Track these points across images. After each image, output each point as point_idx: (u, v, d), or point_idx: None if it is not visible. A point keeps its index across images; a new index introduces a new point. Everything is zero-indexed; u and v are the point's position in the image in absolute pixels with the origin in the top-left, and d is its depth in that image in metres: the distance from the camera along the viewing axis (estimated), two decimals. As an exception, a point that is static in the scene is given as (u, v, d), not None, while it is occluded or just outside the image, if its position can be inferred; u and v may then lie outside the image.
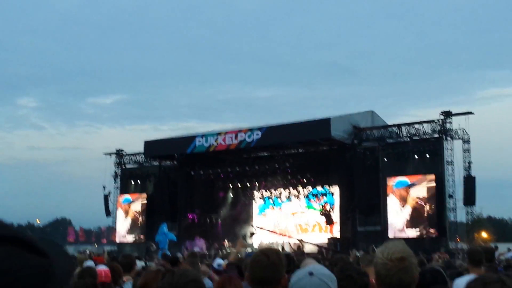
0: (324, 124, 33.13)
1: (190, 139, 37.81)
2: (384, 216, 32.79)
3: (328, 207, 37.59)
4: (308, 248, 31.46)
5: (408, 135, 33.69)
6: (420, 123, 33.74)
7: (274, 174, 38.08)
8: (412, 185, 32.31)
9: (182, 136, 41.32)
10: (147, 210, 41.91)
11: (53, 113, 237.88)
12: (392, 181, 32.79)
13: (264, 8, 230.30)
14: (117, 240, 43.71)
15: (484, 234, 38.37)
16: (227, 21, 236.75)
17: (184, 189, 40.62)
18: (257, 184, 40.59)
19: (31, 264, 0.71)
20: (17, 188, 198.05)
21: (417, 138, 33.33)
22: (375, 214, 33.24)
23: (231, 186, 41.58)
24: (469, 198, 32.74)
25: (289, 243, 33.52)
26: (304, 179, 38.08)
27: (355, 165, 33.88)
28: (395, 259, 2.59)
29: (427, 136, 33.17)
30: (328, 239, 35.25)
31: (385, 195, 32.87)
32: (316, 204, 38.63)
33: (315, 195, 38.52)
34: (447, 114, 32.96)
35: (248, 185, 40.89)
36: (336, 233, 36.09)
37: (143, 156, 42.25)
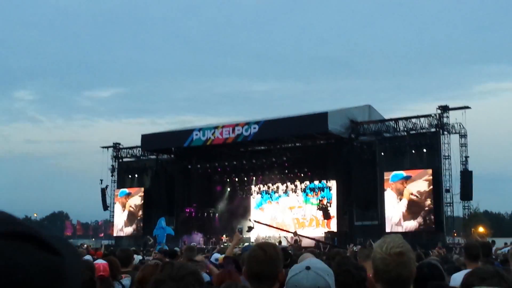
0: (321, 118, 33.14)
1: (187, 132, 37.81)
2: (381, 210, 32.85)
3: (325, 202, 37.65)
4: (305, 242, 31.48)
5: (405, 129, 33.72)
6: (417, 117, 33.77)
7: (271, 168, 38.10)
8: (408, 177, 32.36)
9: (179, 129, 41.32)
10: (144, 204, 41.93)
11: (50, 106, 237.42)
12: (389, 175, 32.84)
13: (262, 3, 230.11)
14: (115, 233, 43.74)
15: (481, 229, 38.44)
16: (224, 16, 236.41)
17: (181, 182, 40.63)
18: (254, 178, 40.63)
19: (44, 261, 0.71)
20: (13, 181, 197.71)
21: (414, 132, 33.37)
22: (372, 209, 33.30)
23: (228, 180, 41.59)
24: (466, 193, 32.82)
25: (285, 237, 33.56)
26: (301, 173, 38.13)
27: (352, 160, 33.90)
28: (394, 253, 2.59)
29: (424, 131, 33.20)
30: (325, 233, 35.33)
31: (382, 190, 32.92)
32: (314, 199, 38.69)
33: (313, 190, 38.57)
34: (444, 109, 33.00)
35: (245, 179, 40.94)
36: (333, 227, 36.17)
37: (140, 149, 42.26)
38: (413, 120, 33.79)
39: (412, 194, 32.18)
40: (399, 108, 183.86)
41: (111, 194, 43.83)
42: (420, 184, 32.16)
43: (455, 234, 35.70)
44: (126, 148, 44.29)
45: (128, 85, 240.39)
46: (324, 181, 37.89)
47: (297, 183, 38.87)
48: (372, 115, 37.02)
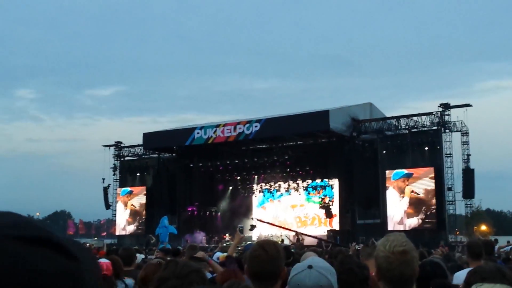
0: (322, 116, 33.12)
1: (189, 131, 37.81)
2: (383, 208, 32.83)
3: (327, 200, 37.65)
4: (307, 241, 31.50)
5: (407, 127, 33.68)
6: (418, 115, 33.75)
7: (273, 167, 38.10)
8: (410, 175, 32.33)
9: (180, 128, 41.34)
10: (147, 202, 41.94)
11: (51, 105, 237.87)
12: (390, 174, 32.82)
13: (262, 1, 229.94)
14: (117, 232, 43.77)
15: (483, 227, 38.43)
16: (224, 14, 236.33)
17: (183, 181, 40.65)
18: (256, 177, 40.64)
19: (63, 267, 0.71)
20: (15, 180, 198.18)
21: (415, 130, 33.34)
22: (374, 207, 33.29)
23: (230, 179, 41.59)
24: (468, 191, 32.76)
25: (287, 236, 33.57)
26: (303, 172, 38.12)
27: (354, 158, 33.90)
28: (397, 252, 2.58)
29: (425, 129, 33.18)
30: (328, 231, 35.36)
31: (384, 188, 32.89)
32: (316, 197, 38.68)
33: (314, 188, 38.56)
34: (446, 107, 32.95)
35: (247, 178, 40.94)
36: (336, 226, 36.17)
37: (141, 148, 42.27)
38: (415, 118, 33.76)
39: (414, 192, 32.15)
40: (400, 106, 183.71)
41: (113, 193, 43.84)
42: (422, 182, 32.14)
43: (458, 232, 35.67)
44: (127, 147, 44.29)
45: (129, 83, 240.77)
46: (326, 180, 37.88)
47: (299, 181, 38.87)
48: (374, 113, 37.01)
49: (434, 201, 31.81)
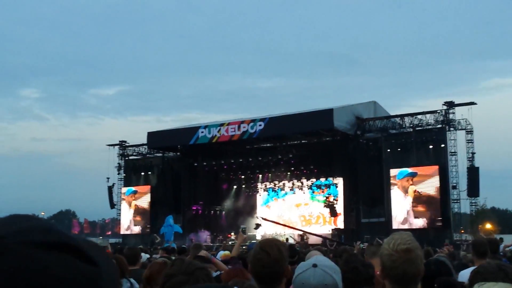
0: (326, 114, 33.08)
1: (193, 130, 37.82)
2: (387, 207, 32.77)
3: (332, 199, 37.62)
4: (312, 240, 31.49)
5: (411, 125, 33.62)
6: (423, 113, 33.67)
7: (277, 165, 38.10)
8: (415, 174, 32.26)
9: (185, 127, 41.36)
10: (151, 202, 41.99)
11: (56, 104, 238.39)
12: (395, 172, 32.77)
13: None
14: (122, 232, 43.83)
15: (488, 225, 38.29)
16: (228, 12, 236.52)
17: (188, 180, 40.68)
18: (261, 176, 40.65)
19: (82, 273, 0.71)
20: (20, 180, 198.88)
21: (420, 128, 33.27)
22: (379, 206, 33.24)
23: (234, 178, 41.61)
24: (473, 189, 32.67)
25: (292, 236, 33.55)
26: (308, 170, 38.11)
27: (358, 156, 33.87)
28: (401, 250, 2.58)
29: (430, 127, 33.12)
30: (332, 230, 35.32)
31: (389, 187, 32.84)
32: (320, 196, 38.66)
33: (319, 187, 38.54)
34: (450, 105, 32.87)
35: (252, 177, 40.96)
36: (340, 225, 36.13)
37: (146, 147, 42.31)
38: (419, 116, 33.69)
39: (417, 192, 32.09)
40: (404, 104, 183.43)
41: (117, 192, 43.92)
42: (427, 181, 32.07)
43: (462, 231, 35.58)
44: (132, 146, 44.34)
45: (133, 82, 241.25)
46: (331, 178, 37.84)
47: (304, 180, 38.87)
48: (378, 112, 36.95)
49: (439, 199, 31.74)
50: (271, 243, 3.02)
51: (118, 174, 44.01)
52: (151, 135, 40.07)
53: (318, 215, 39.12)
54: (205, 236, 37.33)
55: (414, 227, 30.71)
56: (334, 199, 37.53)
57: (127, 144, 44.47)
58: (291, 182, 39.50)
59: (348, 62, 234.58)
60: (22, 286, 0.66)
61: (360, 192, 33.87)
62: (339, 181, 37.07)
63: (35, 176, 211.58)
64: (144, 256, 10.24)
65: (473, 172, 32.56)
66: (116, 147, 44.35)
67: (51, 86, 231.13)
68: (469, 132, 33.31)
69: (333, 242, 28.55)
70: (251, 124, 35.19)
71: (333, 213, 37.06)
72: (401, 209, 32.36)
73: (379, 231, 28.18)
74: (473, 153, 33.06)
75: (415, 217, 31.99)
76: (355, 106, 35.98)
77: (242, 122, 35.87)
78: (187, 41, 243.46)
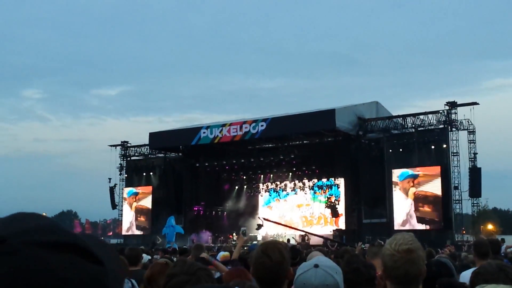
0: (328, 115, 33.08)
1: (195, 130, 37.84)
2: (389, 208, 32.76)
3: (333, 199, 37.59)
4: (314, 240, 31.49)
5: (413, 126, 33.60)
6: (425, 113, 33.65)
7: (279, 166, 38.08)
8: (416, 175, 32.24)
9: (186, 127, 41.38)
10: (153, 202, 42.01)
11: (58, 105, 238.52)
12: (397, 173, 32.76)
13: None
14: (123, 232, 43.86)
15: (490, 226, 38.26)
16: (229, 12, 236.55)
17: (189, 181, 40.70)
18: (262, 176, 40.65)
19: (89, 273, 0.70)
20: (22, 180, 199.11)
21: (422, 129, 33.26)
22: (381, 206, 33.22)
23: (236, 178, 41.60)
24: (475, 190, 32.64)
25: (293, 237, 33.55)
26: (309, 171, 38.09)
27: (360, 157, 33.86)
28: (402, 250, 2.57)
29: (432, 127, 33.09)
30: (333, 230, 35.29)
31: (390, 187, 32.82)
32: (322, 196, 38.63)
33: (320, 187, 38.50)
34: (452, 105, 32.85)
35: (253, 177, 40.96)
36: (342, 225, 36.10)
37: (148, 148, 42.34)
38: (421, 117, 33.67)
39: (420, 191, 32.07)
40: (406, 104, 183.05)
41: (119, 193, 43.94)
42: (429, 181, 32.04)
43: (464, 232, 35.54)
44: (134, 147, 44.39)
45: (135, 83, 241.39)
46: (332, 179, 37.80)
47: (305, 180, 38.84)
48: (380, 112, 36.94)
49: (440, 200, 31.70)
50: (272, 246, 3.00)
51: (120, 174, 44.09)
52: (153, 135, 40.10)
53: (319, 215, 39.08)
54: (206, 236, 37.32)
55: (416, 228, 30.71)
56: (335, 200, 37.50)
57: (129, 145, 44.52)
58: (293, 182, 39.48)
59: (349, 62, 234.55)
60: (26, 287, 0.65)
61: (361, 192, 33.85)
62: (341, 181, 37.03)
63: (37, 176, 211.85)
64: (146, 257, 10.25)
65: (475, 173, 32.53)
66: (118, 147, 44.40)
67: (53, 86, 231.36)
68: (471, 132, 33.29)
69: (335, 243, 28.58)
70: (253, 124, 35.20)
71: (335, 214, 37.02)
72: (403, 210, 32.33)
73: (381, 232, 28.14)
74: (475, 154, 33.03)
75: (417, 218, 31.96)
76: (357, 107, 35.97)
77: (244, 122, 35.88)
78: (188, 41, 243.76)
